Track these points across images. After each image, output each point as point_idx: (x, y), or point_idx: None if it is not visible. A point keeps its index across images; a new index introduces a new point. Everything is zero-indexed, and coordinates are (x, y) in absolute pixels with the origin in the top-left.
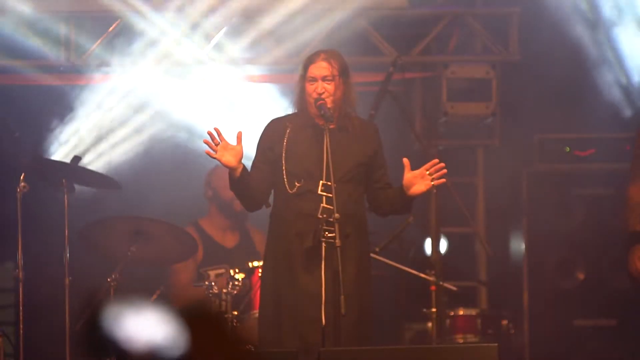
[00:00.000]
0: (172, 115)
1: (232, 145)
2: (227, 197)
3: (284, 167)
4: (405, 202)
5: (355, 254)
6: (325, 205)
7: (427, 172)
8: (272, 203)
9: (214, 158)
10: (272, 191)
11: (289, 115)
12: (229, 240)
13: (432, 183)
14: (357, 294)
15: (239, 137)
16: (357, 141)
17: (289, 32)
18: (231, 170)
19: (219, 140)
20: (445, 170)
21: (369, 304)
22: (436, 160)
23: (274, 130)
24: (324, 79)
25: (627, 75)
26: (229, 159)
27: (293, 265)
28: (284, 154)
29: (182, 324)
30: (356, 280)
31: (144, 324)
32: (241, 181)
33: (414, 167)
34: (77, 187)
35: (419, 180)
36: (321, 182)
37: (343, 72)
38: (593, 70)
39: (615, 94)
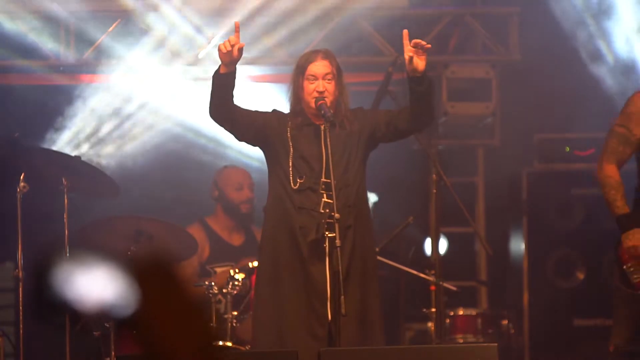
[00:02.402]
0: (174, 114)
1: (238, 50)
2: (233, 199)
3: (290, 163)
4: (422, 85)
5: (357, 246)
6: (327, 200)
7: (414, 48)
8: (268, 200)
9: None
10: (268, 186)
11: (287, 113)
12: (236, 239)
13: (424, 53)
14: (359, 291)
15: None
16: (353, 134)
17: (289, 32)
18: (224, 62)
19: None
20: (423, 43)
21: (372, 301)
22: (406, 36)
23: (276, 117)
24: (324, 77)
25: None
26: (229, 55)
27: (297, 257)
28: (291, 150)
29: (133, 282)
30: (359, 276)
31: (95, 283)
32: (226, 78)
33: (414, 167)
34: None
35: (416, 56)
36: (322, 180)
37: (339, 71)
38: (592, 69)
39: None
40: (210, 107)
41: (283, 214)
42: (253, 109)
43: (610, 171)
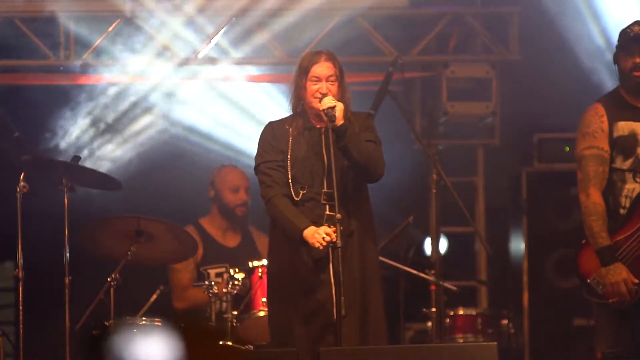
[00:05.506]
0: (174, 115)
1: None
2: (228, 201)
3: (290, 174)
4: (341, 141)
5: (360, 250)
6: (329, 213)
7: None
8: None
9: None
10: None
11: (286, 117)
12: (230, 240)
13: None
14: (361, 292)
15: None
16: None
17: (289, 31)
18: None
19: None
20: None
21: (375, 301)
22: None
23: (276, 132)
24: (328, 79)
25: None
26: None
27: (301, 269)
28: (289, 161)
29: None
30: (361, 279)
31: (148, 348)
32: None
33: (413, 167)
34: (77, 187)
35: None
36: (323, 190)
37: (342, 73)
38: (592, 68)
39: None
40: (272, 216)
41: None
42: (274, 157)
43: (598, 198)
